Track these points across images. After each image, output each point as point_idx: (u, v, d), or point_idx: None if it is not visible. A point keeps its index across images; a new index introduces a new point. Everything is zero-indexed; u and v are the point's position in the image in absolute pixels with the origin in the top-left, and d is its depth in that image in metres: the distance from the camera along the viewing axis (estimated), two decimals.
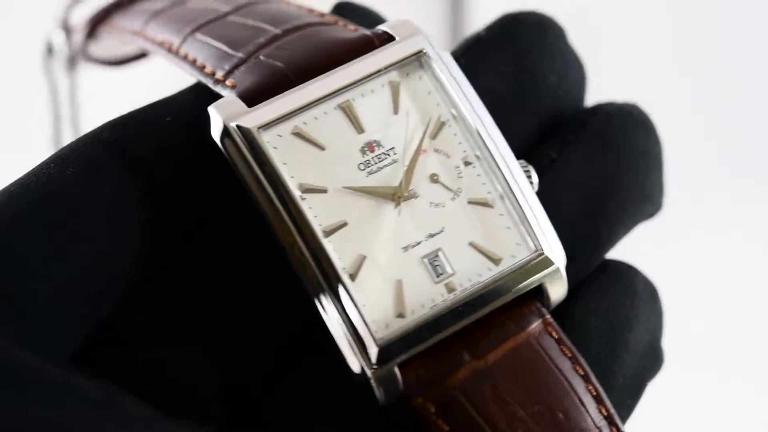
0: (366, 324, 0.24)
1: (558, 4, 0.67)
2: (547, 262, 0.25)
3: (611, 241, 0.27)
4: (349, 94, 0.25)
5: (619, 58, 0.65)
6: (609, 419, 0.24)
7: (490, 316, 0.24)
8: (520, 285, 0.25)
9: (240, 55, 0.26)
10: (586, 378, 0.24)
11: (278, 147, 0.24)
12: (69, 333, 0.23)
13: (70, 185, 0.24)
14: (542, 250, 0.25)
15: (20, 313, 0.22)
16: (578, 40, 0.63)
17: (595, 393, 0.24)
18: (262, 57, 0.25)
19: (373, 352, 0.24)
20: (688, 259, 0.61)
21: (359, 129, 0.25)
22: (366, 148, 0.25)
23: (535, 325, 0.25)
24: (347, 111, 0.25)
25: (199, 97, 0.26)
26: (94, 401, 0.21)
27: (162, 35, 0.28)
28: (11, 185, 0.24)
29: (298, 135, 0.25)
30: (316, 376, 0.25)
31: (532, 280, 0.25)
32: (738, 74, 0.65)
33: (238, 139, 0.24)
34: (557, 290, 0.25)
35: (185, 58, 0.26)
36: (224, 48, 0.26)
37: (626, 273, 0.27)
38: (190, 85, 0.26)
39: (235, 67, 0.25)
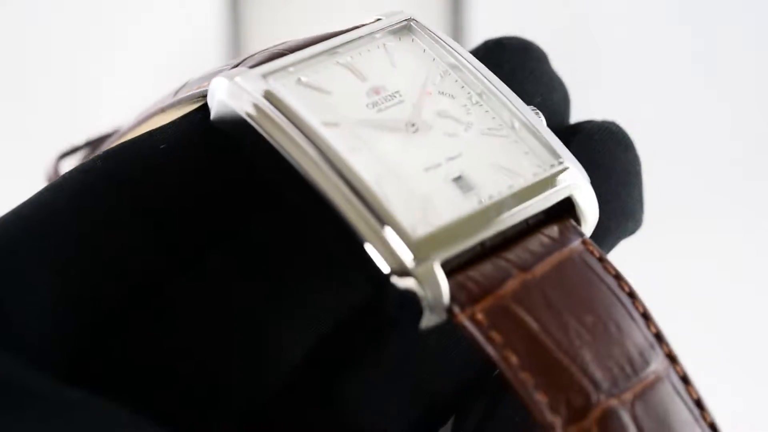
0: (400, 223, 0.23)
1: (557, 6, 0.68)
2: (572, 175, 0.25)
3: None
4: (346, 52, 0.26)
5: (616, 62, 0.65)
6: (658, 337, 0.24)
7: (528, 233, 0.24)
8: (549, 192, 0.24)
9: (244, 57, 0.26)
10: (632, 295, 0.24)
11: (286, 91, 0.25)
12: (58, 354, 0.23)
13: (62, 212, 0.23)
14: (565, 164, 0.25)
15: (11, 335, 0.22)
16: (576, 46, 0.64)
17: (642, 311, 0.24)
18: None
19: (412, 244, 0.23)
20: (685, 259, 0.61)
21: (361, 78, 0.25)
22: (371, 92, 0.25)
23: (576, 243, 0.24)
24: (347, 65, 0.26)
25: (195, 125, 0.26)
26: (86, 415, 0.21)
27: None
28: (6, 214, 0.24)
29: (301, 83, 0.25)
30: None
31: (560, 188, 0.25)
32: (738, 77, 0.65)
33: (247, 87, 0.24)
34: (589, 206, 0.25)
35: None
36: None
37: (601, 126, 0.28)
38: (186, 113, 0.26)
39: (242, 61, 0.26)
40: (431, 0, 0.62)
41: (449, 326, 0.23)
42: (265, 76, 0.25)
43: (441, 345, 0.25)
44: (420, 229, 0.23)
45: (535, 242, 0.24)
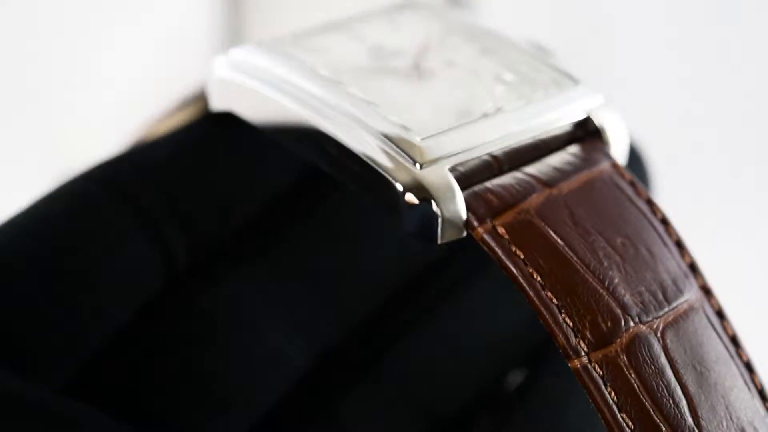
0: (404, 126, 0.22)
1: (558, 6, 0.68)
2: (593, 97, 0.23)
3: None
4: (345, 23, 0.25)
5: (617, 62, 0.65)
6: (693, 267, 0.22)
7: (553, 152, 0.22)
8: (566, 109, 0.23)
9: None
10: (665, 222, 0.22)
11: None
12: (60, 367, 0.22)
13: (61, 220, 0.23)
14: (583, 87, 0.24)
15: (11, 349, 0.21)
16: (577, 46, 0.63)
17: (676, 239, 0.22)
18: None
19: (416, 147, 0.21)
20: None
21: (361, 40, 0.24)
22: (371, 49, 0.24)
23: (605, 164, 0.22)
24: (347, 31, 0.25)
25: (195, 134, 0.25)
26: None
27: None
28: (3, 224, 0.23)
29: (300, 46, 0.24)
30: None
31: (579, 104, 0.23)
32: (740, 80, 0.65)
33: (238, 57, 0.24)
34: (615, 129, 0.23)
35: None
36: None
37: None
38: (187, 124, 0.26)
39: None
40: (431, 0, 0.62)
41: (452, 343, 0.23)
42: (260, 45, 0.24)
43: (443, 362, 0.24)
44: (424, 133, 0.22)
45: (561, 160, 0.22)
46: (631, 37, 0.65)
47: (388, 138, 0.22)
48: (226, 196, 0.24)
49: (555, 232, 0.21)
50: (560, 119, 0.23)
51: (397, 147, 0.21)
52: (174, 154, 0.24)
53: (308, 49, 0.24)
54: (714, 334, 0.21)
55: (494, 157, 0.22)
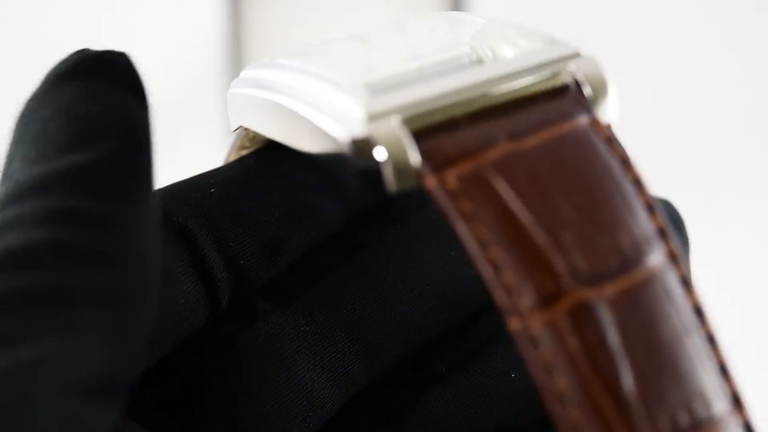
0: (345, 73, 0.21)
1: (558, 6, 0.67)
2: (568, 47, 0.22)
3: None
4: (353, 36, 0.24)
5: (617, 62, 0.65)
6: (661, 233, 0.20)
7: (527, 103, 0.21)
8: (541, 57, 0.21)
9: None
10: (638, 184, 0.21)
11: None
12: (107, 396, 0.22)
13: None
14: (557, 39, 0.22)
15: (65, 373, 0.21)
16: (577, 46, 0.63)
17: (647, 201, 0.20)
18: None
19: (361, 93, 0.20)
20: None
21: (362, 41, 0.23)
22: (370, 46, 0.23)
23: (582, 119, 0.21)
24: (350, 38, 0.24)
25: (247, 169, 0.25)
26: None
27: None
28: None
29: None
30: None
31: (553, 55, 0.22)
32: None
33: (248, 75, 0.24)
34: (595, 78, 0.22)
35: None
36: None
37: None
38: (238, 158, 0.25)
39: None
40: (431, 0, 0.62)
41: (481, 399, 0.22)
42: (266, 60, 0.24)
43: (470, 417, 0.24)
44: (368, 78, 0.21)
45: (534, 112, 0.21)
46: (631, 38, 0.65)
47: (342, 93, 0.21)
48: (273, 234, 0.24)
49: (511, 188, 0.20)
50: (531, 70, 0.21)
51: (348, 102, 0.21)
52: (227, 190, 0.24)
53: (307, 53, 0.23)
54: (673, 304, 0.20)
55: (457, 107, 0.21)
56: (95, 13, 0.65)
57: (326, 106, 0.21)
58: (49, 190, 0.20)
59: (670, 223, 0.23)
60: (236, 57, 0.64)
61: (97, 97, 0.21)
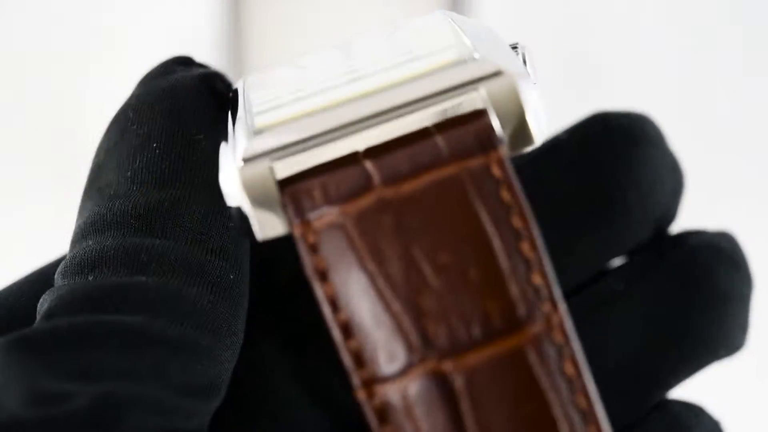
0: (253, 110, 0.20)
1: (558, 6, 0.67)
2: (486, 64, 0.19)
3: (672, 381, 0.23)
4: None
5: (617, 62, 0.65)
6: (538, 292, 0.19)
7: (418, 134, 0.19)
8: (445, 80, 0.19)
9: None
10: (519, 235, 0.19)
11: None
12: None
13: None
14: (480, 54, 0.20)
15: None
16: (577, 46, 0.63)
17: (528, 256, 0.19)
18: None
19: (245, 145, 0.19)
20: None
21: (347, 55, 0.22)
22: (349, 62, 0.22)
23: (477, 156, 0.19)
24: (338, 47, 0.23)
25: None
26: None
27: None
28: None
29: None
30: None
31: (461, 76, 0.19)
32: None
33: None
34: (509, 103, 0.19)
35: None
36: None
37: (685, 416, 0.23)
38: None
39: None
40: (431, 1, 0.62)
41: None
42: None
43: None
44: (270, 116, 0.20)
45: (427, 149, 0.19)
46: (630, 38, 0.65)
47: (241, 133, 0.20)
48: (266, 259, 0.23)
49: (369, 245, 0.19)
50: (433, 98, 0.19)
51: (238, 144, 0.20)
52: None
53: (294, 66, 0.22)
54: (540, 379, 0.18)
55: (344, 145, 0.19)
56: (95, 13, 0.65)
57: (230, 149, 0.20)
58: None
59: (730, 266, 0.22)
60: (236, 57, 0.64)
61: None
